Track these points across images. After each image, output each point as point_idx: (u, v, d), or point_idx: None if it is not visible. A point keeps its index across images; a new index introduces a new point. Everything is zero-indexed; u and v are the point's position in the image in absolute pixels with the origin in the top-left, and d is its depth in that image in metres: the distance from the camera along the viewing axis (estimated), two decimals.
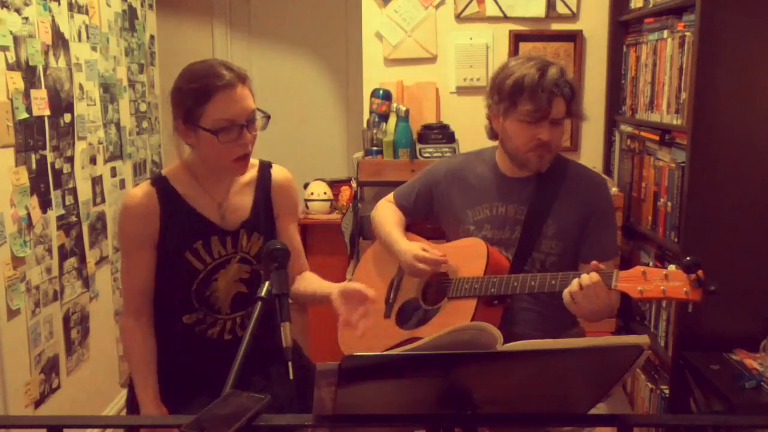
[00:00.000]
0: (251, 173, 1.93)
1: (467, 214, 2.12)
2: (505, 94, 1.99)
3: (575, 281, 1.79)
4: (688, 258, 1.63)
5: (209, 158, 1.81)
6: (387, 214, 2.28)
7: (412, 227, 2.30)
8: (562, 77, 1.97)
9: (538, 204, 2.05)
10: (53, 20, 2.82)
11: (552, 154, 2.03)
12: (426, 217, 2.27)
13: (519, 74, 1.97)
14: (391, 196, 2.34)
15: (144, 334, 1.87)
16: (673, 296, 1.65)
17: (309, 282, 1.99)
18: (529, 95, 1.95)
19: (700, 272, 1.62)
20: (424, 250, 2.06)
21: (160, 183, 1.85)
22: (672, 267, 1.68)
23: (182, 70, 1.80)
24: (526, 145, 2.00)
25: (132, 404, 1.95)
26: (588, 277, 1.77)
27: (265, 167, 1.96)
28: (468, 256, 2.03)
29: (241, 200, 1.90)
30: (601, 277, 1.76)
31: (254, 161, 1.95)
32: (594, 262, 1.81)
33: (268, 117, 1.81)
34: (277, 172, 1.97)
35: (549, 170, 2.07)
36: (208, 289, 1.87)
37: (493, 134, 2.13)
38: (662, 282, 1.66)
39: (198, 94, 1.73)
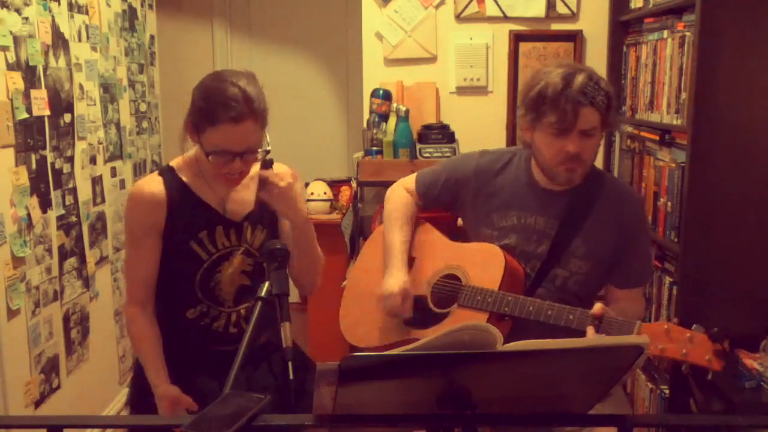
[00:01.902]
0: (255, 168, 1.94)
1: (492, 218, 2.03)
2: (530, 106, 1.90)
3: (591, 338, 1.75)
4: (716, 329, 1.62)
5: (205, 165, 1.84)
6: (396, 211, 2.18)
7: (429, 218, 2.24)
8: (590, 84, 1.85)
9: (571, 220, 1.96)
10: (53, 20, 2.82)
11: (584, 167, 1.92)
12: (447, 209, 2.21)
13: (543, 84, 1.86)
14: (411, 181, 2.23)
15: (150, 322, 1.88)
16: (693, 361, 1.64)
17: None
18: (552, 106, 1.84)
19: (726, 343, 1.61)
20: (405, 295, 2.01)
21: (168, 173, 1.88)
22: (694, 327, 1.66)
23: (205, 78, 1.80)
24: (554, 158, 1.89)
25: (134, 403, 1.96)
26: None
27: (266, 165, 1.96)
28: (483, 263, 1.97)
29: (246, 194, 1.92)
30: (621, 325, 1.73)
31: None
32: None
33: (267, 152, 1.82)
34: (279, 169, 1.97)
35: (585, 185, 1.97)
36: (212, 281, 1.88)
37: (527, 145, 2.02)
38: (685, 345, 1.65)
39: (204, 114, 1.74)
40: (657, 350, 1.66)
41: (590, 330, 1.74)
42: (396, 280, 2.04)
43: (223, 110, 1.71)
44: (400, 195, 2.22)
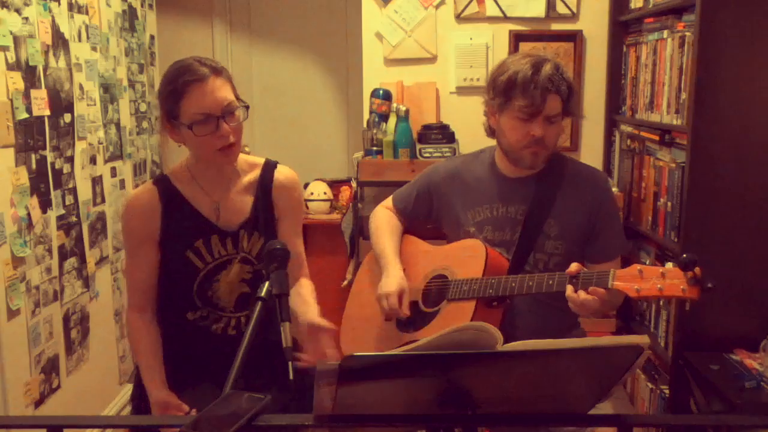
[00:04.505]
0: (254, 173, 1.93)
1: (467, 215, 2.11)
2: (500, 90, 1.99)
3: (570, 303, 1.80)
4: (684, 255, 1.62)
5: (196, 153, 1.84)
6: (381, 226, 2.26)
7: (411, 229, 2.30)
8: (556, 73, 1.96)
9: (538, 203, 2.03)
10: (53, 20, 2.82)
11: (547, 151, 2.02)
12: (426, 219, 2.26)
13: (513, 70, 1.97)
14: (389, 200, 2.33)
15: (149, 327, 1.89)
16: (670, 294, 1.65)
17: (295, 296, 1.93)
18: (521, 91, 1.94)
19: (697, 270, 1.61)
20: (401, 292, 2.04)
21: (162, 182, 1.88)
22: (669, 265, 1.68)
23: (163, 73, 1.84)
24: (520, 141, 1.99)
25: (137, 399, 1.96)
26: (571, 295, 1.78)
27: (269, 167, 1.96)
28: (466, 257, 2.03)
29: (242, 201, 1.91)
30: (597, 278, 1.76)
31: (259, 161, 1.96)
32: (574, 265, 1.81)
33: (246, 107, 1.83)
34: (280, 173, 1.96)
35: (548, 169, 2.06)
36: (210, 289, 1.88)
37: (490, 131, 2.12)
38: (659, 280, 1.66)
39: (173, 93, 1.77)
40: (634, 292, 1.68)
41: (569, 288, 1.79)
42: (392, 279, 2.08)
43: (185, 76, 1.75)
44: (383, 212, 2.31)
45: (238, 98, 1.82)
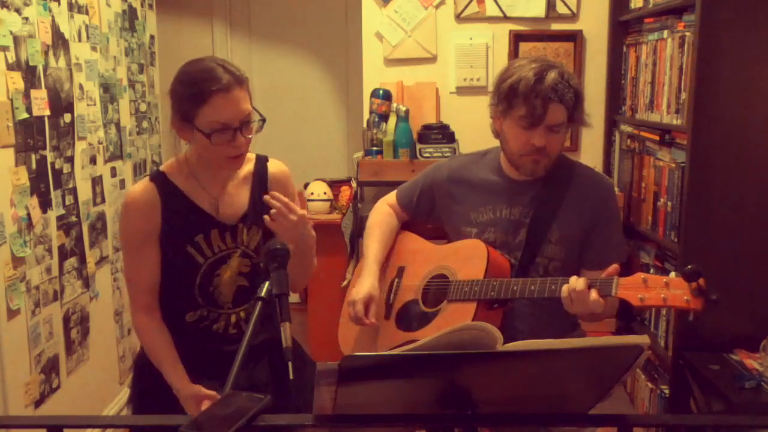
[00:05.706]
0: (248, 167, 1.95)
1: (470, 216, 2.10)
2: (502, 96, 1.96)
3: (565, 287, 1.79)
4: (689, 266, 1.62)
5: (203, 156, 1.84)
6: (375, 225, 2.25)
7: (412, 226, 2.30)
8: (561, 82, 1.91)
9: (544, 208, 2.01)
10: (53, 20, 2.82)
11: (549, 159, 1.99)
12: (428, 217, 2.26)
13: (516, 77, 1.92)
14: (392, 195, 2.32)
15: (160, 327, 1.88)
16: (673, 305, 1.64)
17: None
18: (523, 100, 1.90)
19: (701, 281, 1.61)
20: (368, 300, 2.04)
21: (159, 178, 1.87)
22: (673, 274, 1.68)
23: (180, 69, 1.81)
24: (521, 149, 1.96)
25: (137, 402, 1.95)
26: (574, 284, 1.77)
27: (261, 161, 1.98)
28: (468, 257, 2.02)
29: (239, 195, 1.92)
30: (601, 285, 1.75)
31: (251, 155, 1.97)
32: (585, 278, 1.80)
33: (263, 120, 1.82)
34: (274, 166, 1.98)
35: (555, 173, 2.04)
36: (211, 285, 1.88)
37: (496, 134, 2.11)
38: (663, 290, 1.65)
39: (194, 97, 1.74)
40: (638, 301, 1.68)
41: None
42: (362, 287, 2.08)
43: (210, 84, 1.72)
44: (381, 210, 2.30)
45: (254, 108, 1.82)
